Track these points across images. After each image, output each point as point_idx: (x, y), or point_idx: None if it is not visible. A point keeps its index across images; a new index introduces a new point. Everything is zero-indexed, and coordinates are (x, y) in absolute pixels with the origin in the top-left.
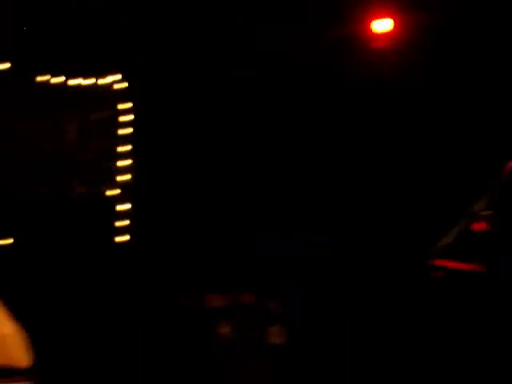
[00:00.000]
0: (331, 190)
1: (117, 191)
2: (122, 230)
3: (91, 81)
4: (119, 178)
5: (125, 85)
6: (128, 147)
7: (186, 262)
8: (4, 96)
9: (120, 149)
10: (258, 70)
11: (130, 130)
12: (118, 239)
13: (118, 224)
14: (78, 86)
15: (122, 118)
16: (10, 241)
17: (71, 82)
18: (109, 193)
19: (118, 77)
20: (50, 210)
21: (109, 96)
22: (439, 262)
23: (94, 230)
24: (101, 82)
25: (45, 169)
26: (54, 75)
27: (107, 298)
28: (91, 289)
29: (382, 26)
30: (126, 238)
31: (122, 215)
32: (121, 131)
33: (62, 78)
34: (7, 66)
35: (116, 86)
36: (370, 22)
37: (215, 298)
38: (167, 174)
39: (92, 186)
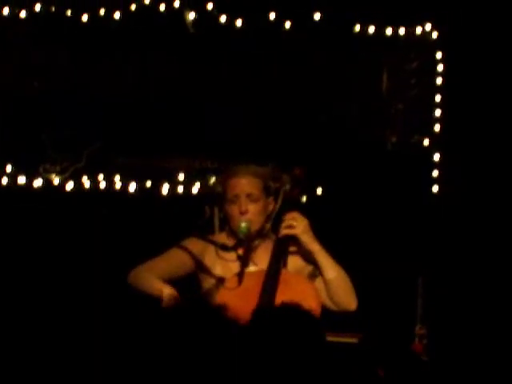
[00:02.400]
0: None
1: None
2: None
3: (403, 30)
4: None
5: (435, 34)
6: (438, 97)
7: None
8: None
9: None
10: None
11: (440, 80)
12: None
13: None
14: (394, 35)
15: (435, 68)
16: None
17: (388, 32)
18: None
19: (429, 26)
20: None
21: (420, 45)
22: None
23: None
24: (413, 31)
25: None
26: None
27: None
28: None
29: None
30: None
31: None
32: (432, 81)
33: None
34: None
35: (427, 36)
36: None
37: None
38: (478, 124)
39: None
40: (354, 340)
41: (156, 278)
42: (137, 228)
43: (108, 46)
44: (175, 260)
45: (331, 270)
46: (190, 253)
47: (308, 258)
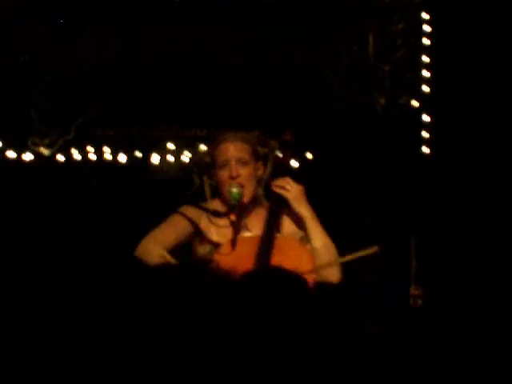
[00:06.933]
0: None
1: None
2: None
3: None
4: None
5: None
6: (426, 58)
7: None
8: None
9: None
10: None
11: (427, 41)
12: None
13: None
14: None
15: (420, 29)
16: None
17: None
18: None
19: None
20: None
21: (405, 6)
22: None
23: (399, 142)
24: None
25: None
26: None
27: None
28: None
29: None
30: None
31: (423, 126)
32: (418, 42)
33: None
34: None
35: None
36: None
37: None
38: (467, 83)
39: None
40: (373, 250)
41: (161, 253)
42: (128, 198)
43: (93, 17)
44: (177, 227)
45: (319, 238)
46: (188, 218)
47: (299, 223)
